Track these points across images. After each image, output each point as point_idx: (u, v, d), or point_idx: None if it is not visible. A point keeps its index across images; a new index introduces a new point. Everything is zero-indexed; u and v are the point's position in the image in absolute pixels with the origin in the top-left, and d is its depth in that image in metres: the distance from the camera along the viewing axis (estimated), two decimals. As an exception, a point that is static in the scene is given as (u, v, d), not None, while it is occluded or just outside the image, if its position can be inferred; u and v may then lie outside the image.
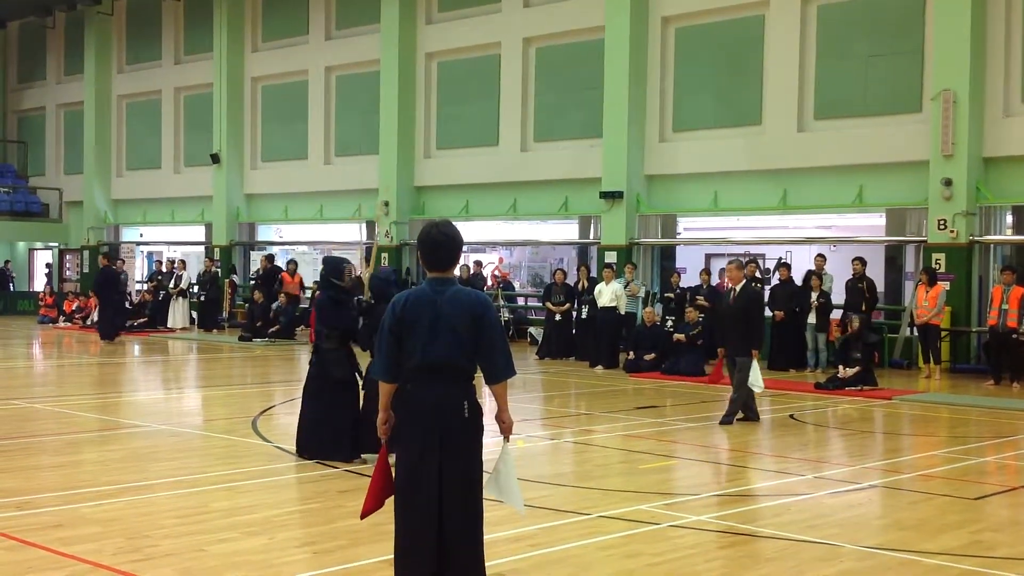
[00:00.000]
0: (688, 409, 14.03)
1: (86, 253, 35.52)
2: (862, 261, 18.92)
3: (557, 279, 21.25)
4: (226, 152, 30.94)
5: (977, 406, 14.62)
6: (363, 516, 5.63)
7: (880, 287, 20.11)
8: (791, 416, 13.43)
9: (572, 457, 10.73)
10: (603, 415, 13.37)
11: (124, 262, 29.98)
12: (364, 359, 9.52)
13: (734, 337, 12.74)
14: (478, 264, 24.96)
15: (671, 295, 20.46)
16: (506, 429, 5.50)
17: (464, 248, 5.66)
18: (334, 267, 10.12)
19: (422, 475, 5.28)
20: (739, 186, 22.04)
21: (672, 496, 8.62)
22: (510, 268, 28.42)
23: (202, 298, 27.67)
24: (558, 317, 20.80)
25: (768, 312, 18.48)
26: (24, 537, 6.81)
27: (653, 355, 18.30)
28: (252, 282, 26.86)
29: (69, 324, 28.85)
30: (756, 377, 12.43)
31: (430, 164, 27.05)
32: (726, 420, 12.47)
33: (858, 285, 18.65)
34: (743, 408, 12.69)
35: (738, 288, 12.86)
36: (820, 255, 19.68)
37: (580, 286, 20.87)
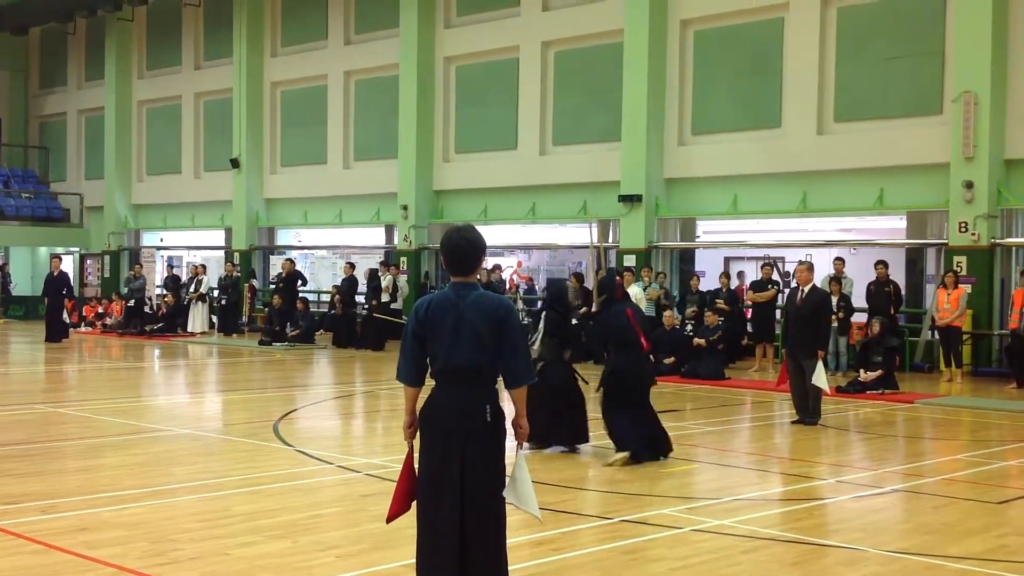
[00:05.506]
0: (708, 413, 14.00)
1: (107, 258, 35.73)
2: (885, 264, 18.84)
3: (573, 283, 21.21)
4: (246, 157, 31.06)
5: (999, 409, 14.54)
6: (389, 520, 5.62)
7: (901, 290, 20.00)
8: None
9: (592, 461, 10.69)
10: (623, 419, 13.31)
11: (143, 267, 30.13)
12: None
13: (802, 338, 12.57)
14: (497, 268, 24.95)
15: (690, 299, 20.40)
16: (522, 435, 5.49)
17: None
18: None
19: (444, 479, 5.28)
20: (758, 189, 21.98)
21: (694, 500, 8.59)
22: (528, 272, 28.38)
23: (223, 302, 27.78)
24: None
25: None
26: (49, 541, 6.84)
27: (672, 358, 18.27)
28: (272, 286, 26.93)
29: (90, 329, 29.02)
30: (821, 379, 12.33)
31: (449, 168, 27.09)
32: (811, 420, 12.50)
33: (883, 289, 18.57)
34: (799, 410, 12.67)
35: (806, 289, 12.68)
36: (839, 258, 19.60)
37: (598, 290, 20.78)
